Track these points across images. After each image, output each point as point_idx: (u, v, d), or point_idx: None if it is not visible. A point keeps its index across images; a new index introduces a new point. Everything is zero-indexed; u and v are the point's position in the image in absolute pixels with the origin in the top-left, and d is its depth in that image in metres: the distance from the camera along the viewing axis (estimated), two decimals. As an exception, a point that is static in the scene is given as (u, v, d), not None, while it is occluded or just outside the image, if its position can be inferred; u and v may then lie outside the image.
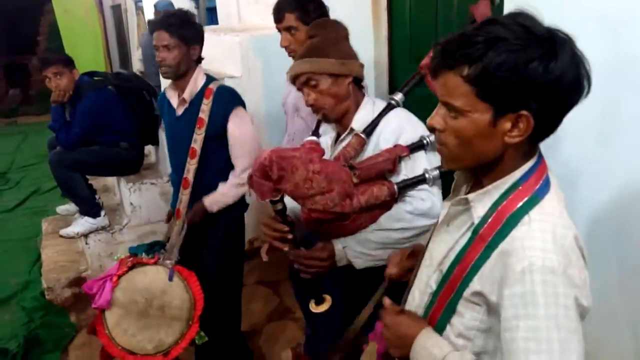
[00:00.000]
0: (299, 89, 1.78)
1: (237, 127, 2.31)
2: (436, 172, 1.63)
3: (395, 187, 1.63)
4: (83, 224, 3.64)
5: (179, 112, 2.39)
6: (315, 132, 1.94)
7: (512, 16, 0.96)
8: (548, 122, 0.98)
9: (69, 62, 3.54)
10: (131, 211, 3.70)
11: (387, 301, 1.22)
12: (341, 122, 1.80)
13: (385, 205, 1.64)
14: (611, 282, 1.77)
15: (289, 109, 2.55)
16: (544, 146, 1.06)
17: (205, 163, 2.34)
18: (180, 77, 2.32)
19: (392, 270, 1.43)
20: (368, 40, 3.04)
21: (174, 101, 2.40)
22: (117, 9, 10.48)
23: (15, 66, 12.24)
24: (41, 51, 11.71)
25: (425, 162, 1.67)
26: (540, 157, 1.06)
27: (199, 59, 2.37)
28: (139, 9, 7.35)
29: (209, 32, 4.11)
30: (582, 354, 0.93)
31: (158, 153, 4.05)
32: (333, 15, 2.40)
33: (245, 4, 4.48)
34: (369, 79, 2.71)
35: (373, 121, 1.73)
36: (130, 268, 2.23)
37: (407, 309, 1.22)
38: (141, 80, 4.00)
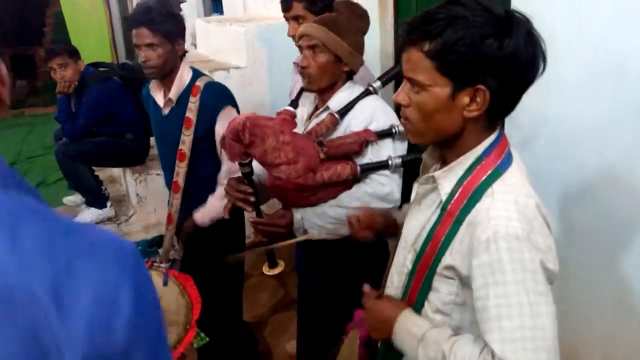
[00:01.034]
0: (300, 47, 1.81)
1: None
2: (398, 160, 1.69)
3: (358, 168, 1.69)
4: (89, 214, 3.65)
5: (165, 111, 2.22)
6: (294, 103, 1.96)
7: None
8: (505, 98, 1.03)
9: (74, 53, 3.54)
10: (137, 202, 3.71)
11: (366, 287, 1.25)
12: (322, 97, 1.84)
13: (346, 183, 1.72)
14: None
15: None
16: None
17: (196, 166, 2.18)
18: (165, 76, 2.16)
19: (359, 216, 1.51)
20: (374, 29, 2.98)
21: (160, 99, 2.22)
22: (122, 0, 10.46)
23: (22, 57, 12.26)
24: (47, 42, 11.73)
25: (390, 150, 1.72)
26: (502, 132, 1.11)
27: (184, 53, 2.19)
28: (144, -1, 7.32)
29: (214, 22, 4.11)
30: (553, 315, 0.96)
31: (164, 144, 4.04)
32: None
33: (251, -7, 4.46)
34: (375, 68, 2.68)
35: (348, 104, 1.77)
36: None
37: (387, 293, 1.26)
38: (146, 70, 3.99)
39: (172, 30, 2.10)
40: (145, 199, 3.70)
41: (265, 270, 1.86)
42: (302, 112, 1.96)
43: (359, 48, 1.80)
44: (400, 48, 1.07)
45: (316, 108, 1.90)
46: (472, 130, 1.06)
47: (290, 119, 1.79)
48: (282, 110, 1.87)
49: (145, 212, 3.72)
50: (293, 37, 2.34)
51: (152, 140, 4.00)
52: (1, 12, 12.43)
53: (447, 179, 1.09)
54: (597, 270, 1.83)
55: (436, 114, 1.04)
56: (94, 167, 3.69)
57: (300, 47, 1.82)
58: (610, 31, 1.63)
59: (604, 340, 1.86)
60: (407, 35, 1.04)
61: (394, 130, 1.72)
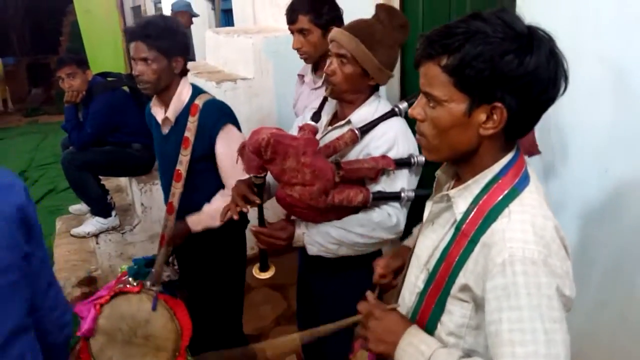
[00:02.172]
0: (331, 51, 1.76)
1: (227, 147, 2.06)
2: (411, 194, 1.67)
3: (371, 196, 1.66)
4: (94, 223, 3.65)
5: (165, 130, 2.18)
6: (317, 116, 1.89)
7: (496, 12, 0.98)
8: (523, 117, 1.00)
9: (82, 63, 3.57)
10: (142, 212, 3.71)
11: (369, 294, 1.23)
12: (343, 107, 1.82)
13: (356, 209, 1.70)
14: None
15: (299, 111, 2.53)
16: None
17: (193, 187, 2.13)
18: (161, 91, 2.12)
19: (380, 272, 1.45)
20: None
21: (159, 118, 2.18)
22: (137, 10, 10.60)
23: (38, 65, 12.47)
24: (63, 51, 11.90)
25: (405, 181, 1.70)
26: (518, 151, 1.07)
27: (184, 71, 2.15)
28: (158, 10, 7.41)
29: (223, 33, 4.13)
30: (568, 342, 0.92)
31: (170, 154, 4.05)
32: (345, 10, 2.37)
33: (260, 5, 4.48)
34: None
35: (371, 122, 1.73)
36: (113, 296, 2.09)
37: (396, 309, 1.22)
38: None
39: (169, 46, 2.06)
40: (150, 209, 3.70)
41: (256, 272, 1.84)
42: (322, 118, 1.92)
43: (390, 63, 1.75)
44: (417, 62, 1.05)
45: (335, 115, 1.87)
46: (488, 148, 1.03)
47: (313, 139, 1.73)
48: (304, 124, 1.80)
49: (150, 222, 3.71)
50: (298, 49, 2.34)
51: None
52: (19, 21, 12.66)
53: (463, 197, 1.07)
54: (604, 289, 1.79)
55: (451, 130, 1.02)
56: (100, 177, 3.69)
57: (329, 52, 1.76)
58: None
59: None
60: (424, 49, 1.01)
61: (412, 161, 1.69)
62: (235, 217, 1.73)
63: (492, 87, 0.95)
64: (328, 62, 1.75)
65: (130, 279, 2.12)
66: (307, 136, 1.74)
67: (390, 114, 1.75)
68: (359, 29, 1.70)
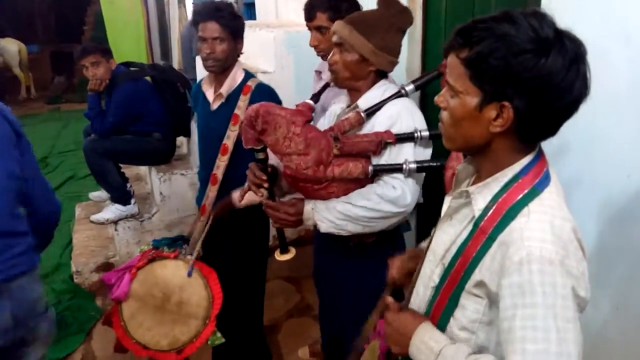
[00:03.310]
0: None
1: None
2: (413, 165, 1.66)
3: (370, 167, 1.68)
4: (113, 210, 3.71)
5: (214, 106, 2.33)
6: (316, 96, 1.96)
7: (526, 12, 0.98)
8: (535, 120, 0.99)
9: (106, 52, 3.62)
10: (160, 200, 3.76)
11: (389, 299, 1.23)
12: (352, 95, 1.86)
13: (360, 182, 1.72)
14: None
15: (317, 107, 2.54)
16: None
17: (237, 162, 2.24)
18: (222, 71, 2.28)
19: (393, 274, 1.46)
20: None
21: (210, 95, 2.34)
22: (160, 1, 10.65)
23: (62, 54, 12.58)
24: (87, 40, 12.01)
25: (410, 154, 1.70)
26: (540, 152, 1.08)
27: (239, 54, 2.35)
28: (181, 2, 7.45)
29: (245, 26, 4.15)
30: (580, 343, 0.92)
31: (189, 145, 4.10)
32: (367, 7, 2.37)
33: (283, 0, 4.49)
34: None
35: (377, 103, 1.76)
36: (150, 261, 2.19)
37: (411, 304, 1.24)
38: (176, 72, 4.06)
39: (237, 29, 2.27)
40: (169, 197, 3.75)
41: (277, 255, 1.91)
42: (336, 108, 1.97)
43: (386, 47, 1.76)
44: (445, 52, 1.06)
45: (349, 105, 1.90)
46: (503, 147, 1.04)
47: (304, 110, 1.79)
48: (301, 102, 1.87)
49: (168, 211, 3.77)
50: (315, 46, 2.35)
51: (179, 140, 4.09)
52: (44, 9, 12.82)
53: (482, 194, 1.07)
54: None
55: (463, 121, 1.04)
56: (121, 165, 3.75)
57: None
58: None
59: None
60: (451, 40, 1.03)
61: (416, 135, 1.70)
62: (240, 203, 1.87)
63: (503, 84, 0.96)
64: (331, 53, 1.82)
65: (165, 248, 2.24)
66: (296, 108, 1.80)
67: (397, 95, 1.77)
68: (353, 17, 1.77)
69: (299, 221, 1.79)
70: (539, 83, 0.94)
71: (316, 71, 2.62)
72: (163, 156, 3.84)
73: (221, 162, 2.26)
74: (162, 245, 2.27)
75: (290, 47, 3.51)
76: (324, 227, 1.74)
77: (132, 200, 3.75)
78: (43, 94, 11.74)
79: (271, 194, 1.83)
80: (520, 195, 1.01)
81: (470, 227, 1.08)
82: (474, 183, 1.13)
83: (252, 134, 1.72)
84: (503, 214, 1.01)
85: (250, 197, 2.01)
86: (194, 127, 3.74)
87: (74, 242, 3.92)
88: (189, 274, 2.18)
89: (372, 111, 1.75)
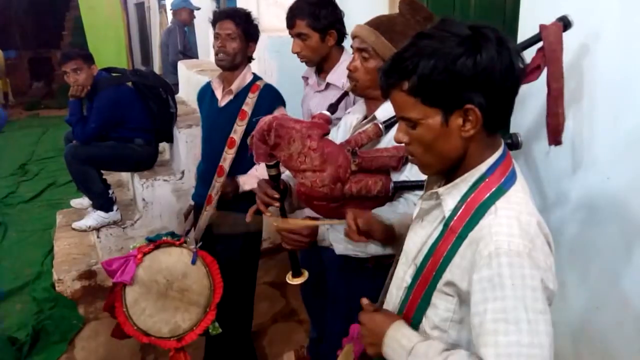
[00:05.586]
0: (353, 47, 1.72)
1: None
2: None
3: (392, 184, 1.59)
4: (95, 217, 3.67)
5: (222, 103, 2.48)
6: (334, 107, 1.89)
7: (437, 25, 1.05)
8: (496, 108, 1.03)
9: (88, 58, 3.58)
10: (143, 207, 3.73)
11: (364, 301, 1.25)
12: (370, 104, 1.76)
13: (379, 199, 1.62)
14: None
15: (304, 113, 2.56)
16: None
17: (241, 157, 2.38)
18: (232, 68, 2.43)
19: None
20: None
21: (219, 92, 2.51)
22: (140, 7, 10.60)
23: (40, 60, 12.46)
24: (65, 46, 11.89)
25: None
26: (505, 150, 1.11)
27: (250, 58, 2.50)
28: (162, 7, 7.43)
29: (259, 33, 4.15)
30: (551, 334, 0.94)
31: (172, 151, 4.08)
32: (348, 13, 2.39)
33: (265, 5, 4.49)
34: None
35: (395, 116, 1.70)
36: (156, 247, 2.27)
37: (384, 307, 1.26)
38: (158, 77, 4.03)
39: (250, 31, 2.45)
40: (151, 204, 3.72)
41: (289, 279, 1.76)
42: (352, 118, 1.85)
43: None
44: (384, 94, 1.11)
45: (366, 116, 1.80)
46: (475, 148, 1.07)
47: (321, 123, 1.68)
48: (317, 114, 1.79)
49: (151, 217, 3.74)
50: (297, 53, 2.36)
51: (161, 146, 4.06)
52: (22, 14, 12.65)
53: (451, 195, 1.10)
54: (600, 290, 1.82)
55: (436, 143, 1.06)
56: (102, 171, 3.72)
57: (352, 47, 1.73)
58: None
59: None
60: (385, 81, 1.07)
61: None
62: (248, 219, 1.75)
63: (456, 93, 1.00)
64: (350, 58, 1.72)
65: (168, 237, 2.32)
66: (313, 121, 1.68)
67: None
68: (380, 22, 1.67)
69: (312, 242, 1.66)
70: (486, 75, 0.99)
71: (303, 77, 2.64)
72: (145, 162, 3.81)
73: (228, 155, 2.40)
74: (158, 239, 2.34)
75: (273, 52, 3.53)
76: (340, 249, 1.61)
77: (115, 207, 3.71)
78: (21, 100, 11.59)
79: (283, 211, 1.68)
80: (488, 194, 1.05)
81: (440, 228, 1.11)
82: (444, 185, 1.16)
83: (263, 149, 1.60)
84: (472, 212, 1.05)
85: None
86: (176, 132, 3.74)
87: (55, 250, 3.87)
88: (193, 262, 2.28)
89: (390, 123, 1.64)
